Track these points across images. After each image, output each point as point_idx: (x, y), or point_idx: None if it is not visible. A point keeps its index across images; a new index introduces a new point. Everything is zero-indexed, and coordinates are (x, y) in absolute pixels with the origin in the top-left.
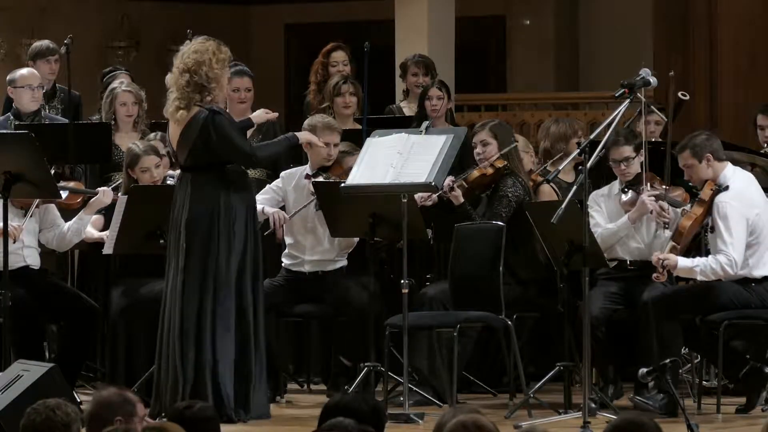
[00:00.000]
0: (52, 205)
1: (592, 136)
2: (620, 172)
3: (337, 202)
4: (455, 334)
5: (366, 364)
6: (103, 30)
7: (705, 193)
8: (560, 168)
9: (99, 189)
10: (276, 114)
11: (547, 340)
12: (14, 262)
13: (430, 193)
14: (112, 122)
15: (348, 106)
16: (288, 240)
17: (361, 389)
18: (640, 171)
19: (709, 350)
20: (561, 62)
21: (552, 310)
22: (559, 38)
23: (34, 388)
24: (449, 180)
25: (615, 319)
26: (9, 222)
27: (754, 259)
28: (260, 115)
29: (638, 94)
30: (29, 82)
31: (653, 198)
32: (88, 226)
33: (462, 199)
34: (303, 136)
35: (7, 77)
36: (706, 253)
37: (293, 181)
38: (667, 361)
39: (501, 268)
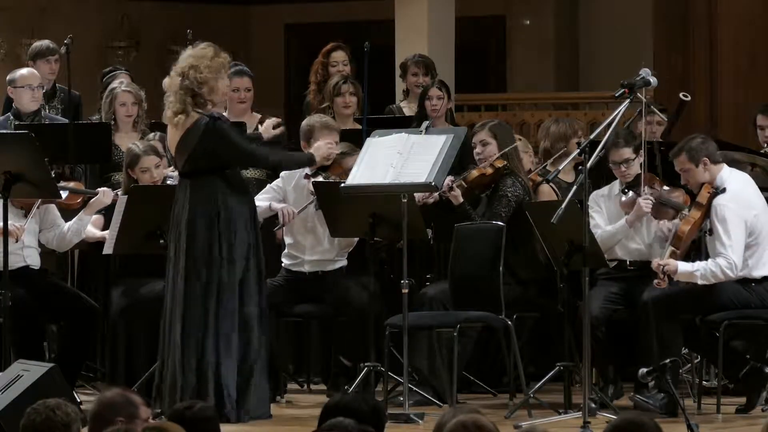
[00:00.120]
0: (53, 206)
1: (592, 136)
2: (620, 174)
3: (337, 202)
4: (455, 334)
5: (366, 364)
6: (103, 30)
7: (702, 197)
8: (560, 168)
9: (99, 189)
10: (283, 128)
11: (547, 340)
12: (14, 262)
13: (429, 194)
14: (112, 122)
15: (348, 106)
16: (288, 240)
17: (361, 389)
18: (640, 172)
19: (709, 350)
20: (561, 62)
21: (552, 310)
22: (559, 38)
23: (34, 388)
24: (448, 180)
25: (615, 319)
26: (12, 222)
27: (753, 260)
28: (268, 129)
29: (638, 95)
30: (29, 82)
31: (649, 201)
32: (90, 226)
33: (461, 199)
34: (318, 155)
35: (7, 77)
36: (706, 256)
37: (293, 181)
38: (667, 361)
39: (501, 268)
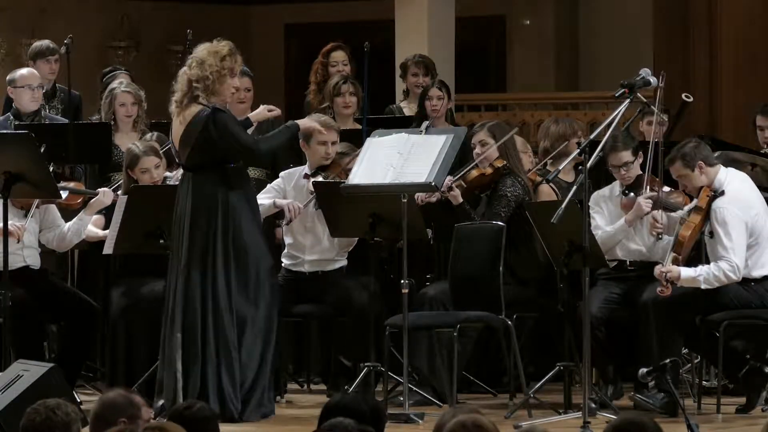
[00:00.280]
0: (53, 206)
1: (592, 136)
2: (620, 177)
3: (336, 201)
4: (455, 334)
5: (366, 364)
6: (103, 30)
7: (702, 200)
8: (560, 168)
9: (99, 189)
10: (278, 112)
11: (547, 340)
12: (14, 262)
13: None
14: (112, 122)
15: (348, 106)
16: (287, 240)
17: (361, 389)
18: (641, 173)
19: (709, 350)
20: (561, 62)
21: (552, 310)
22: (559, 38)
23: (34, 388)
24: (448, 180)
25: (615, 319)
26: (12, 222)
27: (753, 259)
28: (261, 112)
29: (638, 95)
30: (29, 82)
31: (649, 201)
32: (90, 225)
33: (461, 199)
34: (304, 123)
35: (7, 77)
36: (707, 258)
37: (293, 180)
38: (667, 361)
39: (501, 268)
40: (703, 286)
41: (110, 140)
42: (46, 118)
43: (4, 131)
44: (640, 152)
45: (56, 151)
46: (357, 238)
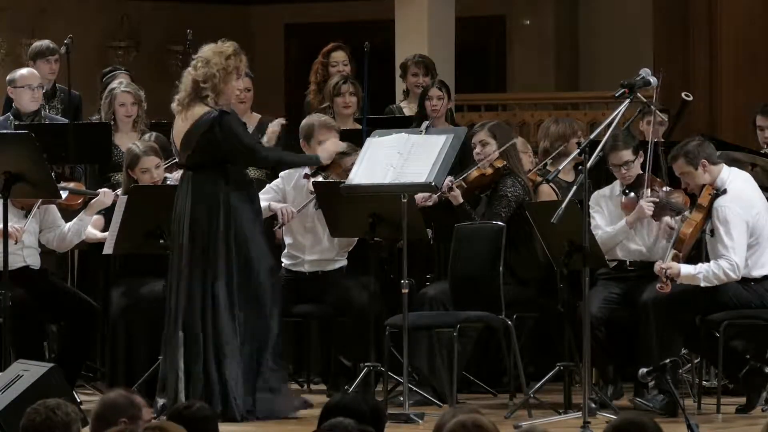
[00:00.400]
0: (53, 206)
1: (592, 136)
2: (621, 176)
3: (336, 201)
4: (455, 334)
5: (366, 364)
6: (103, 30)
7: (704, 198)
8: (560, 168)
9: (100, 190)
10: (276, 128)
11: (547, 340)
12: (14, 263)
13: (429, 194)
14: (112, 122)
15: (348, 106)
16: (287, 240)
17: (361, 389)
18: (641, 172)
19: (709, 350)
20: (561, 62)
21: (552, 310)
22: (559, 38)
23: (34, 388)
24: (448, 180)
25: (615, 319)
26: (10, 223)
27: (753, 259)
28: (273, 134)
29: (638, 95)
30: (29, 82)
31: (651, 204)
32: (89, 227)
33: (461, 200)
34: (325, 157)
35: (7, 77)
36: (707, 257)
37: (293, 180)
38: (667, 361)
39: (501, 268)
40: (702, 284)
41: (110, 140)
42: (46, 118)
43: (4, 131)
44: (641, 151)
45: (56, 151)
46: (357, 238)
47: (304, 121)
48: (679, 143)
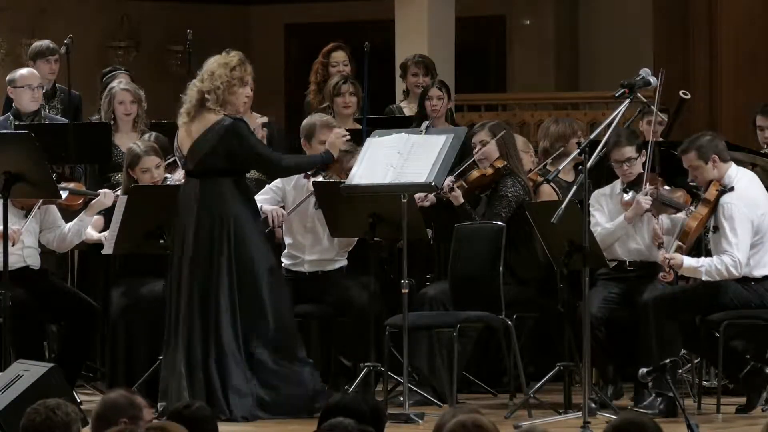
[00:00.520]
0: (53, 206)
1: (592, 136)
2: (622, 173)
3: (336, 201)
4: (455, 334)
5: (366, 364)
6: (103, 30)
7: (710, 194)
8: (560, 168)
9: (100, 190)
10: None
11: (547, 340)
12: (14, 263)
13: (427, 194)
14: (112, 122)
15: (348, 106)
16: (287, 240)
17: (361, 389)
18: (641, 171)
19: (709, 350)
20: (561, 62)
21: (552, 310)
22: (559, 38)
23: (34, 388)
24: (449, 180)
25: (615, 319)
26: (9, 225)
27: (755, 259)
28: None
29: (638, 95)
30: (29, 82)
31: (648, 198)
32: (89, 227)
33: (462, 200)
34: (335, 151)
35: (7, 77)
36: (707, 253)
37: (292, 180)
38: (667, 361)
39: (501, 268)
40: (703, 278)
41: (110, 140)
42: (46, 118)
43: (4, 131)
44: (643, 149)
45: (56, 151)
46: (357, 238)
47: (305, 121)
48: (677, 142)
